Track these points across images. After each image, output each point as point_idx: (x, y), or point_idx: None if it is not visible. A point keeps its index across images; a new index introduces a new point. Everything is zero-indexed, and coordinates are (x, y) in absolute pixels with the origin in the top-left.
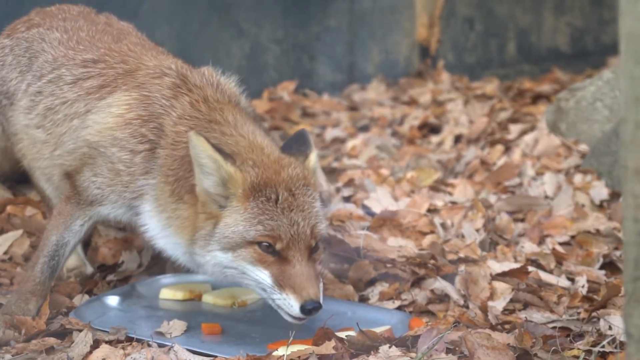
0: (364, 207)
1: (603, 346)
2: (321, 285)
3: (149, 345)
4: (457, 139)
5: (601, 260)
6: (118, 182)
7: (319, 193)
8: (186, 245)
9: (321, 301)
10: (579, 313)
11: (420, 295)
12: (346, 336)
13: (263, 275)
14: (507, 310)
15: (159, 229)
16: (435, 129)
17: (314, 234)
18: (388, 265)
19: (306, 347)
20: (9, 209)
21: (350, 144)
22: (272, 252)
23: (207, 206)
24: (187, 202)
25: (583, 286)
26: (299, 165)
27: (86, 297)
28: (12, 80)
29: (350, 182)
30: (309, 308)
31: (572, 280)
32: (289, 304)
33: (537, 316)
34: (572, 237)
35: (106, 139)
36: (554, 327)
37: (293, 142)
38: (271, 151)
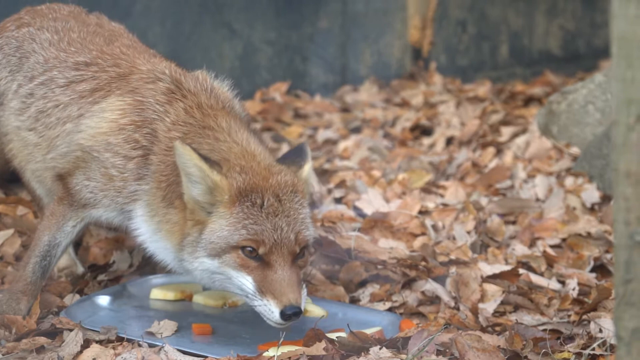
0: (356, 208)
1: (593, 349)
2: (304, 292)
3: (140, 345)
4: (449, 141)
5: (592, 263)
6: (111, 187)
7: (308, 201)
8: (175, 251)
9: (302, 307)
10: (569, 316)
11: (411, 297)
12: (337, 337)
13: (246, 281)
14: (497, 313)
15: (150, 233)
16: (427, 131)
17: (299, 240)
18: (379, 266)
19: (297, 348)
20: (0, 208)
21: (342, 145)
22: (255, 257)
23: (195, 213)
24: (177, 207)
25: (574, 289)
26: (290, 173)
27: (77, 296)
28: (1, 79)
29: (341, 184)
30: (289, 313)
31: (562, 282)
32: (270, 310)
33: (527, 318)
34: (563, 239)
35: (100, 144)
36: (545, 330)
37: (292, 154)
38: (262, 158)
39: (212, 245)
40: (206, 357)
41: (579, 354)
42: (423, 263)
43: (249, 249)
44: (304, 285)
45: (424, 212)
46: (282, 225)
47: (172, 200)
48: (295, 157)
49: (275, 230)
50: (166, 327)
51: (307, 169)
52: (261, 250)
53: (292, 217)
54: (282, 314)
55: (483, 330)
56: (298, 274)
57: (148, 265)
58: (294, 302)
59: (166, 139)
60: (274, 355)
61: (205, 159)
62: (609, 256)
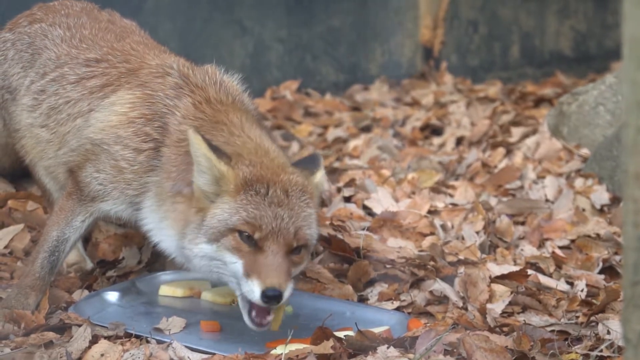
0: (365, 207)
1: (601, 350)
2: (291, 284)
3: (148, 342)
4: (459, 141)
5: (600, 264)
6: (121, 179)
7: (316, 205)
8: (178, 239)
9: (285, 295)
10: (577, 317)
11: (419, 297)
12: (344, 336)
13: (237, 264)
14: (505, 313)
15: (156, 222)
16: (437, 131)
17: (298, 235)
18: (387, 265)
19: (304, 346)
20: (10, 203)
21: (352, 144)
22: (250, 242)
23: (200, 201)
24: (184, 196)
25: (582, 290)
26: (302, 175)
27: (86, 292)
28: (14, 75)
29: (351, 182)
30: (269, 295)
31: (571, 284)
32: (251, 290)
33: (535, 319)
34: (572, 241)
35: (109, 136)
36: (553, 331)
37: (305, 161)
38: (276, 156)
39: (212, 230)
40: (214, 354)
41: (586, 356)
42: (431, 263)
43: (246, 234)
44: (293, 280)
45: (433, 212)
46: (283, 215)
47: (181, 188)
48: (307, 164)
49: (275, 219)
50: (174, 323)
51: (319, 175)
52: (256, 235)
53: (296, 211)
54: (263, 295)
55: (491, 330)
56: (289, 265)
57: (157, 262)
58: (277, 285)
59: (177, 131)
60: (281, 353)
61: (215, 149)
62: (617, 258)
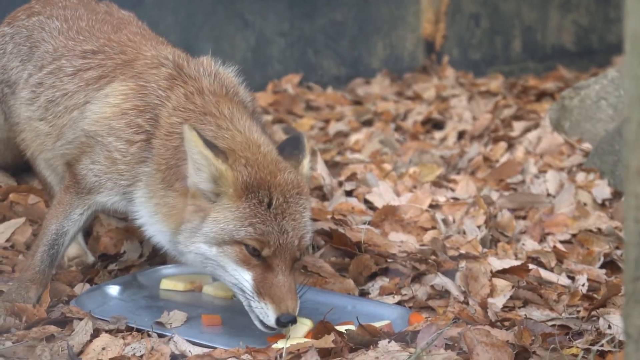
0: (366, 201)
1: (602, 345)
2: (298, 301)
3: (149, 335)
4: (461, 135)
5: (602, 259)
6: (114, 170)
7: (309, 199)
8: (171, 234)
9: (296, 314)
10: (578, 311)
11: (420, 291)
12: (346, 330)
13: (245, 277)
14: (506, 308)
15: (148, 216)
16: (438, 125)
17: (300, 245)
18: (389, 260)
19: (305, 340)
20: (11, 196)
21: (353, 138)
22: (257, 256)
23: (197, 199)
24: (177, 190)
25: (583, 285)
26: (294, 171)
27: (87, 286)
28: (13, 69)
29: (352, 176)
30: (284, 321)
31: (572, 278)
32: (265, 314)
33: (536, 314)
34: (574, 235)
35: (103, 128)
36: (554, 325)
37: (288, 145)
38: (268, 151)
39: (213, 235)
40: (215, 348)
41: (587, 350)
42: (433, 257)
43: (253, 247)
44: (299, 291)
45: (434, 206)
46: (288, 229)
47: (171, 183)
48: (292, 149)
49: (282, 234)
50: (175, 317)
51: (306, 164)
52: (265, 252)
53: (297, 220)
54: (278, 321)
55: (492, 325)
56: (295, 279)
57: (158, 256)
58: (292, 310)
59: (167, 124)
60: (282, 348)
61: (211, 146)
62: (619, 252)
